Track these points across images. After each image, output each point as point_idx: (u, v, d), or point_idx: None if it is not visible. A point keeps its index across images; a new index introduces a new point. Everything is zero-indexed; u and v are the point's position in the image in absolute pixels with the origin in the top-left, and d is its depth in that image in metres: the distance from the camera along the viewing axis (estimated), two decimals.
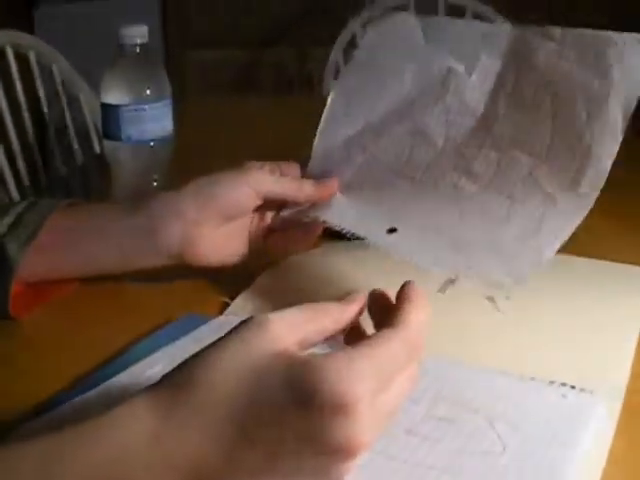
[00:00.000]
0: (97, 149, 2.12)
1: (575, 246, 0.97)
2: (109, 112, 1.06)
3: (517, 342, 0.79)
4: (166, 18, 3.82)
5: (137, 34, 1.04)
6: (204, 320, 0.82)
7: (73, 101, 2.14)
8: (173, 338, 0.78)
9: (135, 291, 0.93)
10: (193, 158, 1.24)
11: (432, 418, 0.65)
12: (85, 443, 0.48)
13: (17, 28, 2.37)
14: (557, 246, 0.73)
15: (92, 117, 2.13)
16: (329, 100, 0.90)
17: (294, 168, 0.91)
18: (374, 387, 0.50)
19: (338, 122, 0.89)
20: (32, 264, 0.86)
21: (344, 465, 0.50)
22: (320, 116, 0.89)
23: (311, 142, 0.91)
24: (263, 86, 3.86)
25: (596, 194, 0.76)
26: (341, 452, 0.49)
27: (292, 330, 0.53)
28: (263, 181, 0.85)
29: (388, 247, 0.76)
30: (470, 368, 0.72)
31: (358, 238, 0.77)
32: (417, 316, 0.56)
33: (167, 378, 0.52)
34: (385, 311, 0.58)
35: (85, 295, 0.92)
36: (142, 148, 1.06)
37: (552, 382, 0.70)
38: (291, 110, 1.87)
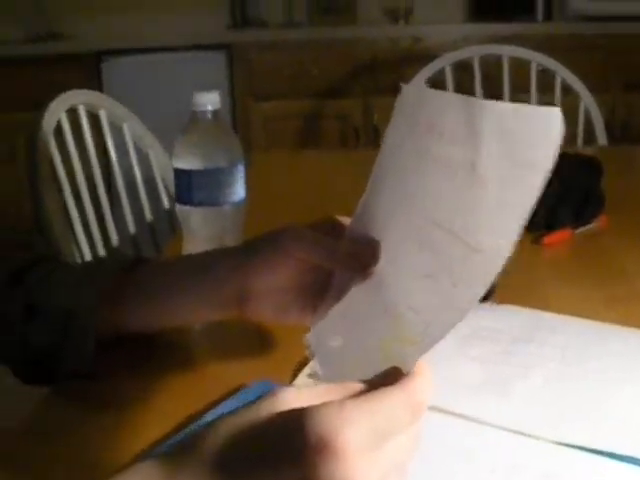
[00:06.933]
0: (165, 204, 2.15)
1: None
2: (181, 177, 1.07)
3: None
4: (232, 69, 3.86)
5: (209, 101, 1.06)
6: (278, 386, 0.82)
7: (143, 158, 2.18)
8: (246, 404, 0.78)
9: (206, 357, 0.94)
10: (262, 217, 1.24)
11: None
12: None
13: (85, 79, 2.42)
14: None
15: (161, 174, 2.17)
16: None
17: (337, 227, 0.82)
18: (367, 438, 0.50)
19: (390, 182, 0.72)
20: (103, 320, 0.88)
21: None
22: None
23: None
24: (328, 137, 3.87)
25: None
26: None
27: (303, 399, 0.53)
28: (297, 247, 0.81)
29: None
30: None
31: None
32: (421, 379, 0.55)
33: (176, 444, 0.54)
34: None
35: (156, 361, 0.93)
36: (214, 213, 1.07)
37: None
38: (358, 164, 1.87)
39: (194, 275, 0.88)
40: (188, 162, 1.07)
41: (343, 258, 0.74)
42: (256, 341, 0.95)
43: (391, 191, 0.70)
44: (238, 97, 3.86)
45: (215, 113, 1.07)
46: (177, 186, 1.09)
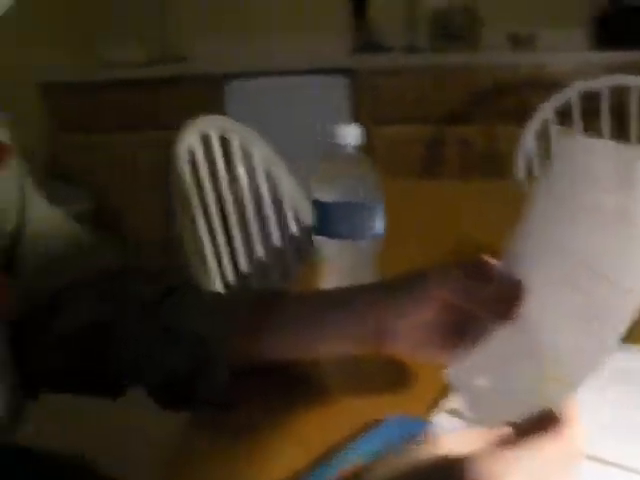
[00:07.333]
0: (294, 231, 2.17)
1: None
2: (320, 208, 1.09)
3: None
4: (355, 93, 3.88)
5: (350, 134, 1.09)
6: (416, 422, 0.83)
7: (272, 183, 2.20)
8: (386, 440, 0.79)
9: (340, 390, 0.95)
10: (389, 248, 1.24)
11: None
12: None
13: (209, 101, 2.42)
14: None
15: (290, 200, 2.19)
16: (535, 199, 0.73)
17: (484, 268, 0.80)
18: None
19: (541, 226, 0.72)
20: (236, 349, 0.89)
21: None
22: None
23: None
24: (449, 163, 3.87)
25: None
26: None
27: (462, 444, 0.54)
28: (443, 289, 0.80)
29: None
30: None
31: None
32: (575, 428, 0.56)
33: None
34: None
35: (291, 392, 0.93)
36: (350, 246, 1.08)
37: None
38: (483, 194, 1.87)
39: (333, 308, 0.89)
40: (327, 194, 1.08)
41: (489, 302, 0.74)
42: (390, 375, 0.96)
43: (541, 234, 0.70)
44: (361, 122, 3.87)
45: (355, 147, 1.08)
46: (314, 217, 1.10)
